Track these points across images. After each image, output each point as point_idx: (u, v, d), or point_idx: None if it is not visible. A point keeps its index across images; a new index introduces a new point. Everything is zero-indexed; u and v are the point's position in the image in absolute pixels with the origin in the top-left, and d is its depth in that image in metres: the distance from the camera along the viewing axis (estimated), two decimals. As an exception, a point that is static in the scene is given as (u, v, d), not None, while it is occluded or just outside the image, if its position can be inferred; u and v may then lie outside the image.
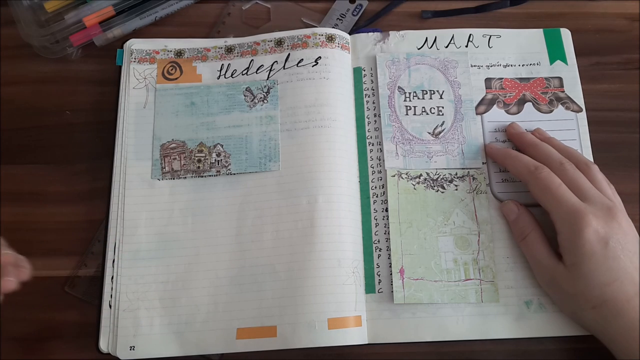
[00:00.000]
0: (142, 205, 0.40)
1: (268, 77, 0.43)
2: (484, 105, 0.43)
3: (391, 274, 0.39)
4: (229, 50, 0.45)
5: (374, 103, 0.44)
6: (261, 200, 0.40)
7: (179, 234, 0.40)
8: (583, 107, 0.43)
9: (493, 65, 0.45)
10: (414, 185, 0.41)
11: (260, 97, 0.43)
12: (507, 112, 0.43)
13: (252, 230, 0.39)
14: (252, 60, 0.44)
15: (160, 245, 0.39)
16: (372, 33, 0.46)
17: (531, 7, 0.48)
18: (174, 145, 0.42)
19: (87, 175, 0.43)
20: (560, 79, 0.44)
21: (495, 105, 0.43)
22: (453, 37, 0.45)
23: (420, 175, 0.41)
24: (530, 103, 0.44)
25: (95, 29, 0.45)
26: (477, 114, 0.43)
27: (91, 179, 0.43)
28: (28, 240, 0.41)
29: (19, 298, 0.33)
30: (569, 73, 0.45)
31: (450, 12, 0.48)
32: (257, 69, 0.44)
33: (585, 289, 0.34)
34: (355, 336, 0.37)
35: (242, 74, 0.44)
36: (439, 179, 0.41)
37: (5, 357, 0.38)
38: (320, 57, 0.43)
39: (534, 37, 0.46)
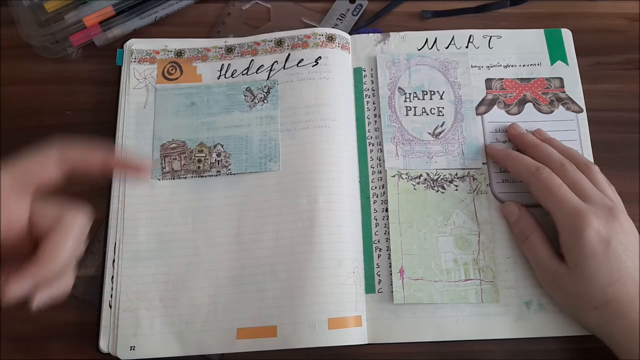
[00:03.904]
0: (142, 205, 0.40)
1: (268, 77, 0.43)
2: (485, 106, 0.43)
3: (391, 274, 0.39)
4: (229, 50, 0.45)
5: (374, 103, 0.44)
6: (261, 200, 0.40)
7: (179, 234, 0.40)
8: (584, 107, 0.43)
9: (493, 65, 0.45)
10: (414, 185, 0.41)
11: (261, 97, 0.43)
12: (508, 112, 0.43)
13: (252, 230, 0.39)
14: (252, 60, 0.44)
15: (160, 245, 0.39)
16: (372, 34, 0.46)
17: (531, 7, 0.48)
18: (174, 145, 0.42)
19: (87, 175, 0.43)
20: (561, 79, 0.44)
21: (495, 106, 0.43)
22: (453, 38, 0.45)
23: (421, 175, 0.41)
24: (531, 103, 0.44)
25: (95, 29, 0.45)
26: (477, 114, 0.43)
27: (91, 179, 0.42)
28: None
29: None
30: (570, 73, 0.45)
31: (450, 12, 0.48)
32: (257, 69, 0.44)
33: (588, 289, 0.34)
34: (355, 336, 0.37)
35: (242, 74, 0.44)
36: (439, 179, 0.41)
37: (5, 357, 0.38)
38: (320, 57, 0.43)
39: (535, 38, 0.46)
